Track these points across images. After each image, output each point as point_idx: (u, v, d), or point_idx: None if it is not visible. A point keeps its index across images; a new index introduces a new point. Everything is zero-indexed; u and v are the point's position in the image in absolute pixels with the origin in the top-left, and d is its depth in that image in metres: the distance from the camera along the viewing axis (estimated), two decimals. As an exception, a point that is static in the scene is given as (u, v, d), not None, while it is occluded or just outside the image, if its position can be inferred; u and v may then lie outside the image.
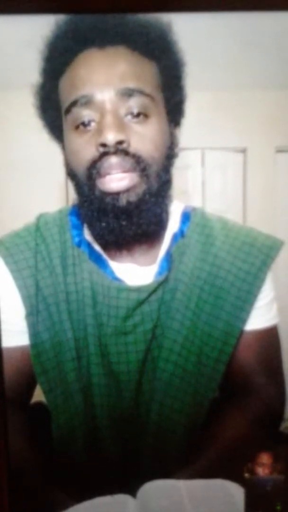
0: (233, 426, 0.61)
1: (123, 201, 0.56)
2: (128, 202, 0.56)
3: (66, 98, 0.57)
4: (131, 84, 0.54)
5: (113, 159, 0.54)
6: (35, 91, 0.60)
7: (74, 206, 0.65)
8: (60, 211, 0.66)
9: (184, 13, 0.52)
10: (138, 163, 0.55)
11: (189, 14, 0.52)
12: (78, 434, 0.59)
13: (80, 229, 0.64)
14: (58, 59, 0.57)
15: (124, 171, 0.55)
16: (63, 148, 0.61)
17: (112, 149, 0.54)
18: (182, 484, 0.52)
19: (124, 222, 0.57)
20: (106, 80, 0.54)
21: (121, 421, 0.61)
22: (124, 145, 0.54)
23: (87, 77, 0.55)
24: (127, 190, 0.55)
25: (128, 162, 0.55)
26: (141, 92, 0.55)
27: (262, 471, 0.49)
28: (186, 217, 0.66)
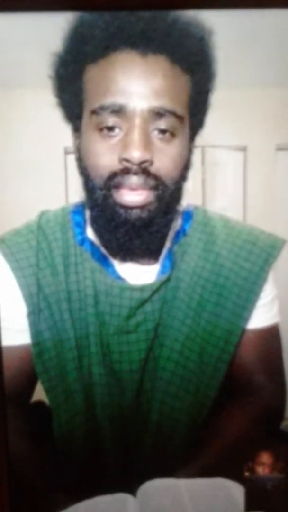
0: (233, 425, 0.61)
1: (134, 215, 0.55)
2: (140, 218, 0.56)
3: (95, 97, 0.54)
4: (166, 104, 0.53)
5: (134, 179, 0.54)
6: (55, 62, 0.56)
7: (77, 205, 0.65)
8: (63, 209, 0.66)
9: (184, 10, 0.52)
10: (157, 186, 0.55)
11: (189, 11, 0.52)
12: (79, 433, 0.59)
13: (82, 228, 0.63)
14: (91, 46, 0.54)
15: (142, 190, 0.55)
16: (74, 130, 0.59)
17: (134, 167, 0.53)
18: (182, 483, 0.52)
19: (133, 239, 0.57)
20: (143, 94, 0.53)
21: (122, 420, 0.61)
22: (147, 164, 0.53)
23: (124, 85, 0.53)
24: (141, 207, 0.55)
25: (148, 184, 0.54)
26: (174, 114, 0.54)
27: (262, 471, 0.49)
28: (188, 215, 0.66)
